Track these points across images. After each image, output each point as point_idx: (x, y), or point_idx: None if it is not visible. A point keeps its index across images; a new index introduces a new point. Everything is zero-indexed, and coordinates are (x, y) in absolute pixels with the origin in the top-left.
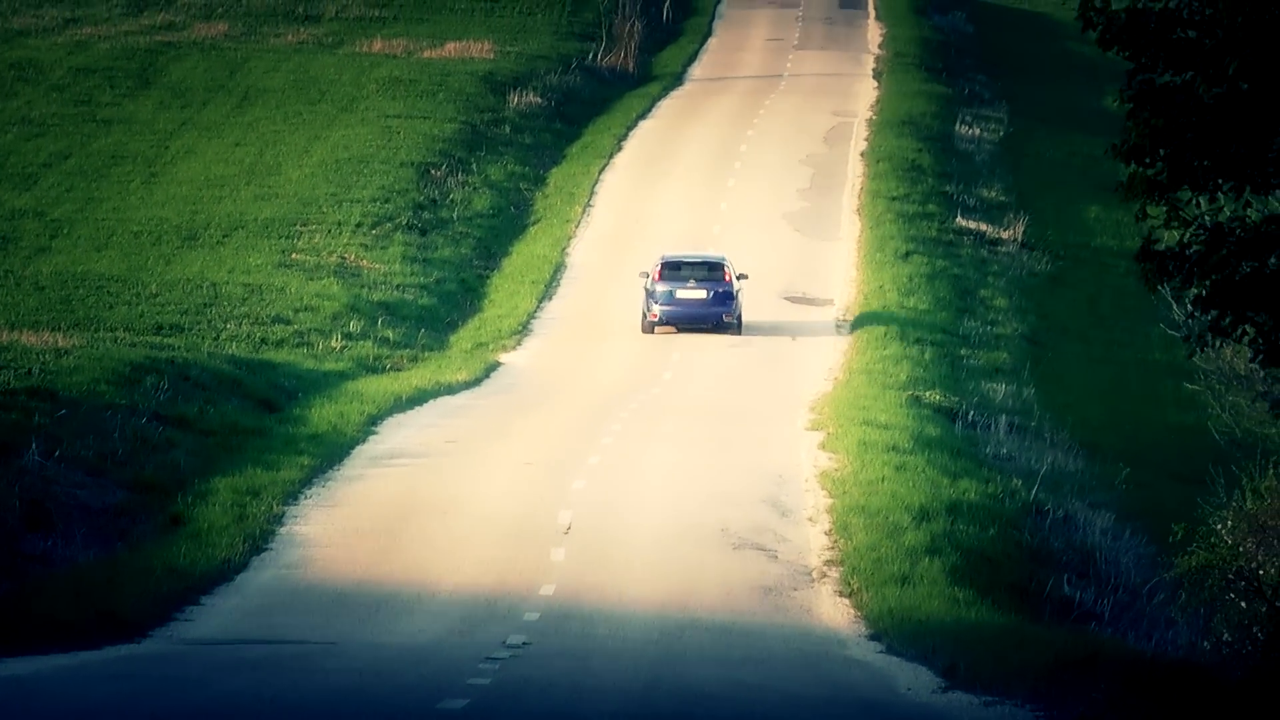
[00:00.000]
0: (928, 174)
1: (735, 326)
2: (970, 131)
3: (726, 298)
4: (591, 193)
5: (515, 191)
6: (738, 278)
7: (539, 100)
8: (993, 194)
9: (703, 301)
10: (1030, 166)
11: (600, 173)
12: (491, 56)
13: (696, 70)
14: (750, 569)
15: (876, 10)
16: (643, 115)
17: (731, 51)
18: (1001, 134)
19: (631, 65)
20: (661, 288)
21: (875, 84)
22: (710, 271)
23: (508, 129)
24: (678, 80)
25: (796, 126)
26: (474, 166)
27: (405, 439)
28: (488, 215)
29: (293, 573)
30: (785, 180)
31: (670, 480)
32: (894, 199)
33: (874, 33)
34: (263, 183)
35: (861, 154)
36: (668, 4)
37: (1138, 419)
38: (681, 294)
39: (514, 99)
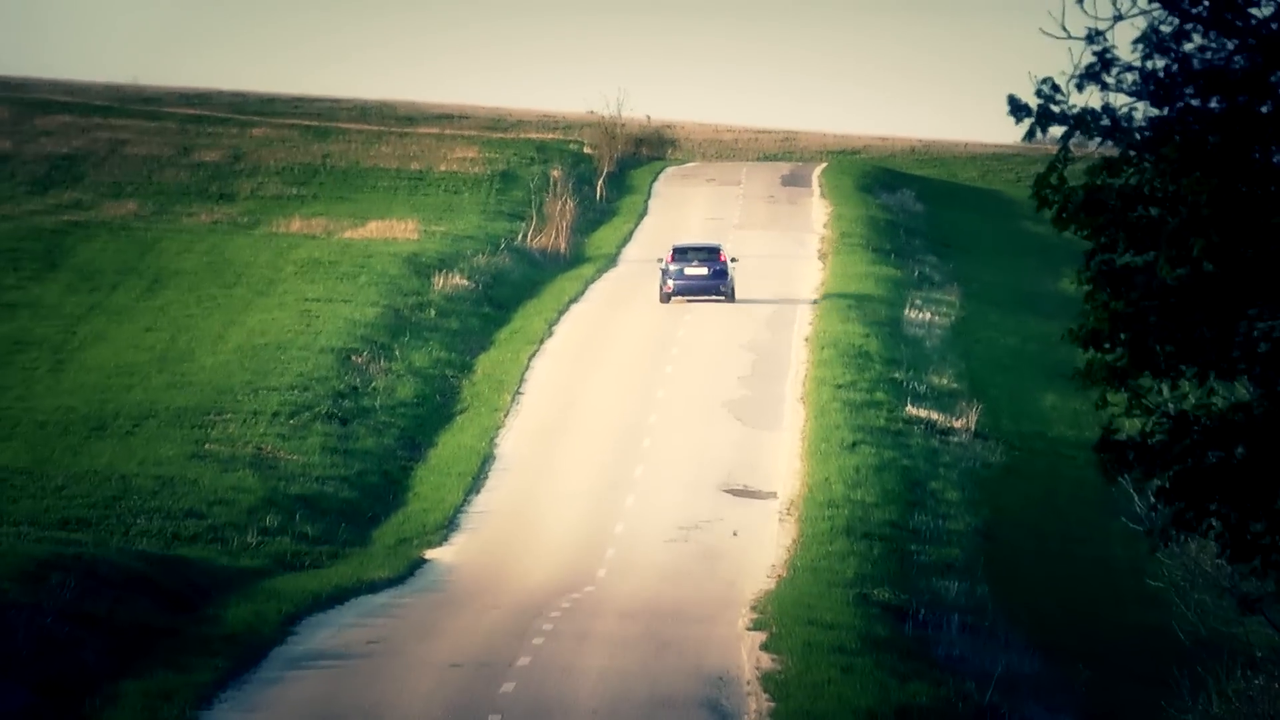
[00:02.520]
0: (875, 360)
1: (730, 296)
2: (920, 315)
3: (722, 274)
4: (521, 380)
5: (441, 379)
6: (730, 260)
7: (466, 282)
8: (944, 381)
9: (704, 276)
10: (983, 352)
11: (530, 359)
12: (416, 237)
13: (632, 250)
14: None
15: (822, 188)
16: (575, 298)
17: (669, 231)
18: (953, 318)
19: (564, 246)
20: (674, 267)
21: (820, 265)
22: (709, 254)
23: (433, 313)
24: (612, 261)
25: (738, 310)
26: (397, 352)
27: (325, 639)
28: (412, 404)
29: None
30: (725, 366)
31: (604, 683)
32: (840, 386)
33: (819, 211)
34: (175, 370)
35: (806, 339)
36: (601, 182)
37: (1097, 618)
38: (689, 271)
39: (439, 281)
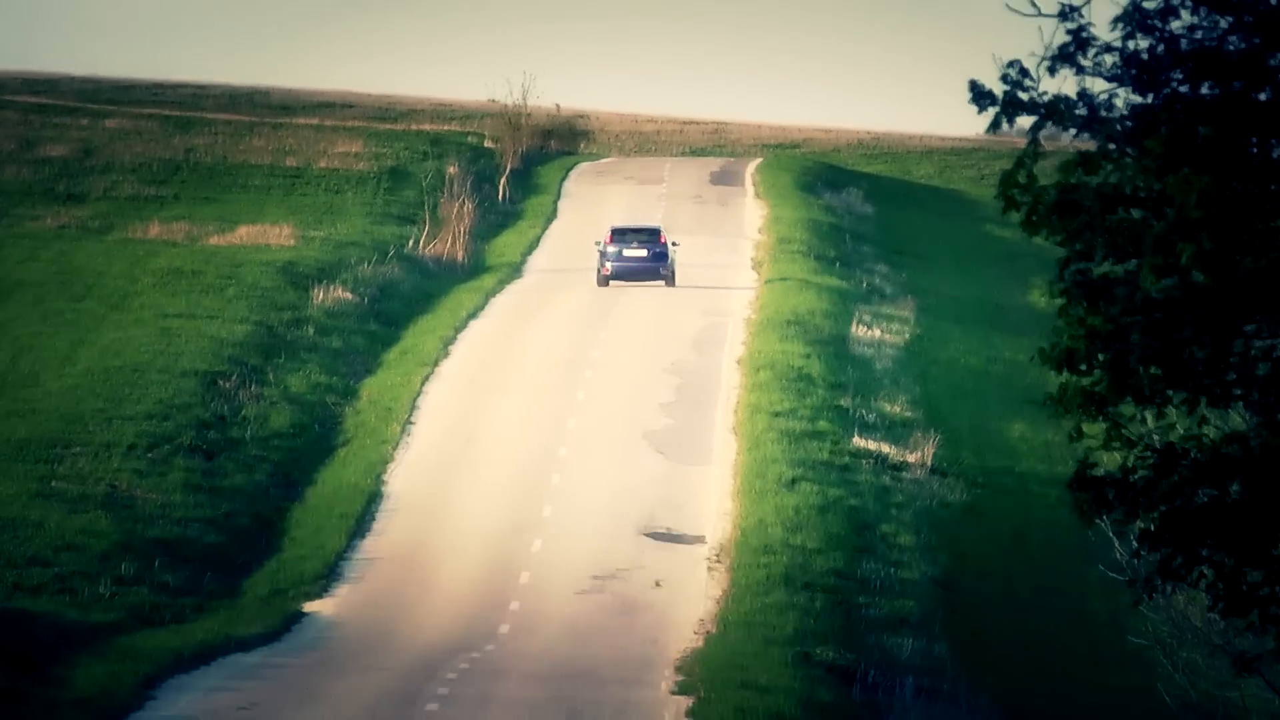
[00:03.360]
0: (818, 384)
1: (670, 280)
2: (869, 333)
3: (662, 256)
4: (413, 408)
5: (321, 406)
6: (672, 244)
7: (350, 296)
8: (897, 408)
9: (644, 259)
10: (941, 375)
11: (424, 383)
12: (292, 243)
13: (539, 259)
14: None
15: (756, 187)
16: (475, 313)
17: (581, 237)
18: (907, 336)
19: (461, 253)
20: (612, 249)
21: (755, 276)
22: (649, 236)
23: (312, 330)
24: (517, 271)
25: (660, 327)
26: (271, 376)
27: (189, 705)
28: (288, 435)
29: None
30: (646, 392)
31: None
32: (777, 414)
33: (753, 214)
34: (16, 396)
35: (738, 360)
36: (504, 180)
37: (1073, 679)
38: (628, 253)
39: (319, 294)
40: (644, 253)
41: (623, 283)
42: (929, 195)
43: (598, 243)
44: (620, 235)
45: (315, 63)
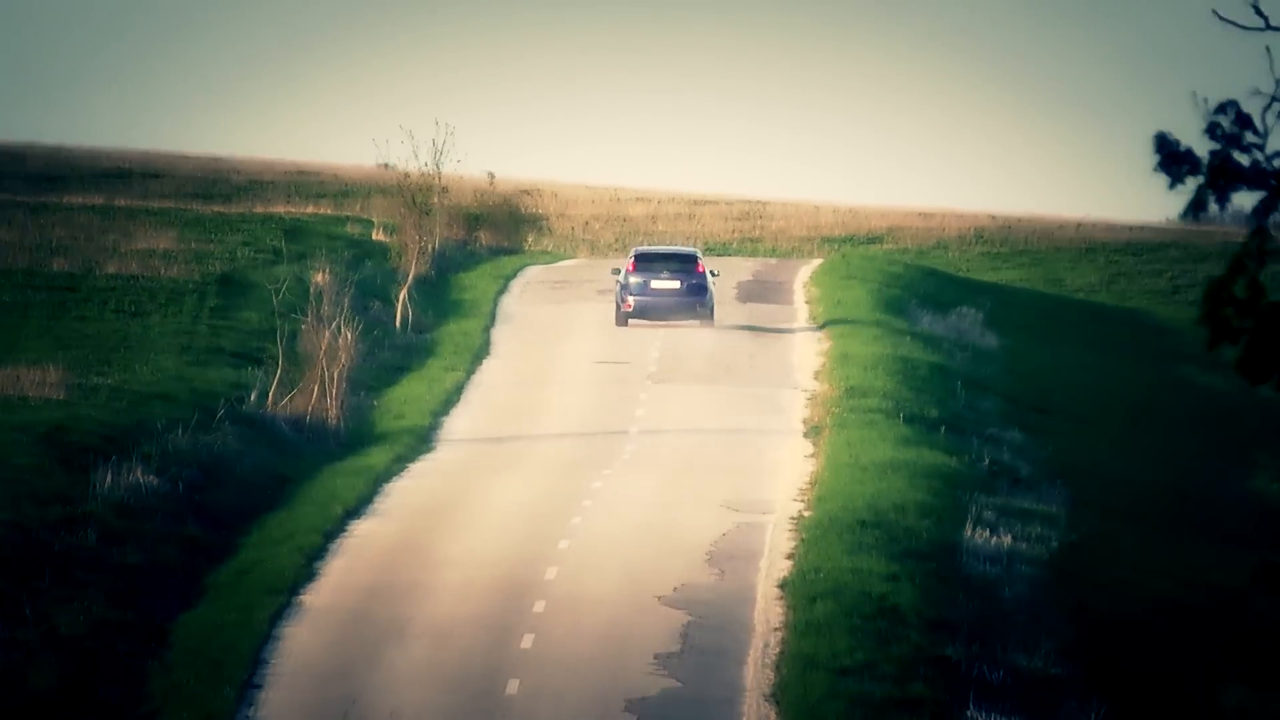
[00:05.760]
0: (911, 623)
1: (709, 317)
2: (993, 540)
3: (699, 289)
4: (256, 663)
5: (107, 656)
6: (711, 273)
7: (154, 480)
8: (1038, 663)
9: (676, 291)
10: (1108, 607)
11: (275, 624)
12: (61, 396)
13: (460, 422)
14: None
15: (811, 306)
16: (357, 512)
17: (528, 387)
18: (1054, 544)
19: (335, 412)
20: (636, 279)
21: (810, 448)
22: (683, 264)
23: (93, 536)
24: (425, 442)
25: (658, 530)
26: (28, 609)
27: None
28: (54, 702)
29: None
30: (632, 642)
31: None
32: (844, 672)
33: (806, 348)
34: None
35: (781, 585)
36: (404, 295)
37: None
38: (656, 284)
39: (106, 478)
40: (676, 284)
41: (648, 321)
42: (1088, 319)
43: (616, 271)
44: (646, 262)
45: (100, 108)
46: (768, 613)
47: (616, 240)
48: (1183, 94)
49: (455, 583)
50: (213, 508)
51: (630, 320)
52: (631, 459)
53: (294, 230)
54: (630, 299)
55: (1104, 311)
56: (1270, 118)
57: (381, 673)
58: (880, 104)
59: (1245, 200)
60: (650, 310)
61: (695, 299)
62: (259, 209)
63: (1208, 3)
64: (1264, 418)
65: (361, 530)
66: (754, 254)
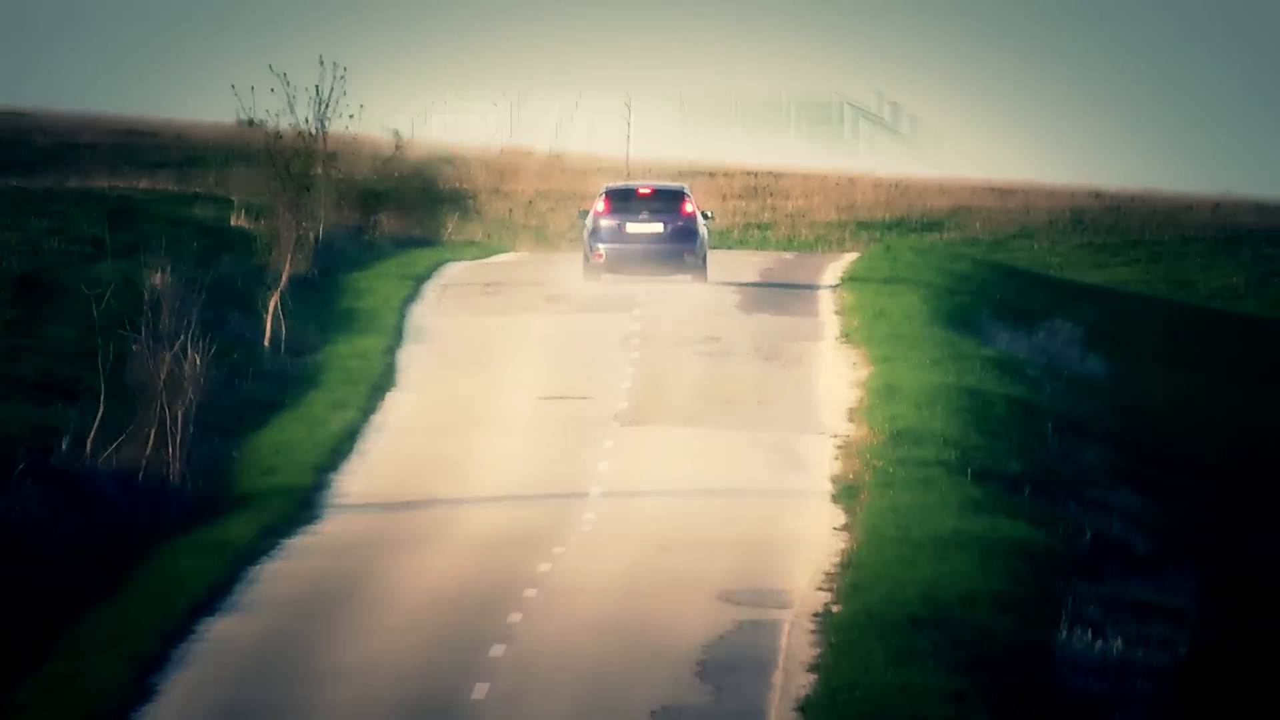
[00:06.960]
0: None
1: (700, 270)
2: (1099, 644)
3: (687, 234)
4: None
5: None
6: (703, 215)
7: None
8: None
9: (659, 236)
10: None
11: None
12: None
13: (354, 480)
14: None
15: (843, 316)
16: (210, 606)
17: (449, 432)
18: (1183, 652)
19: (179, 466)
20: (608, 222)
21: (842, 513)
22: (667, 202)
23: None
24: (305, 508)
25: (623, 635)
26: None
27: None
28: None
29: None
30: None
31: None
32: None
33: (835, 377)
34: None
35: (800, 709)
36: (274, 303)
37: None
38: (634, 228)
39: None
40: (658, 228)
41: (624, 275)
42: (1228, 335)
43: (584, 213)
44: (621, 201)
45: None
46: None
47: (571, 228)
48: None
49: (345, 705)
50: (7, 600)
51: (603, 275)
52: (592, 532)
53: (122, 213)
54: (601, 248)
55: (1250, 325)
56: None
57: None
58: (936, 39)
59: None
60: (626, 261)
61: (683, 246)
62: (72, 183)
63: None
64: None
65: (216, 631)
66: (764, 246)
